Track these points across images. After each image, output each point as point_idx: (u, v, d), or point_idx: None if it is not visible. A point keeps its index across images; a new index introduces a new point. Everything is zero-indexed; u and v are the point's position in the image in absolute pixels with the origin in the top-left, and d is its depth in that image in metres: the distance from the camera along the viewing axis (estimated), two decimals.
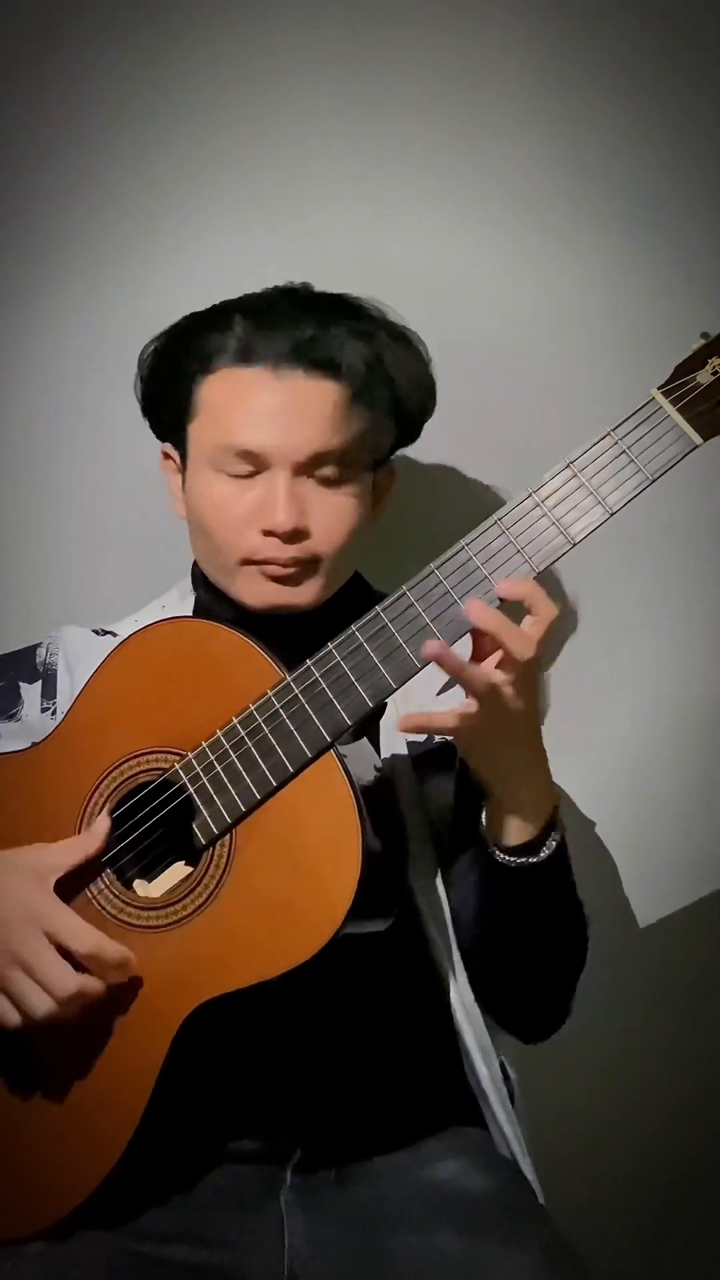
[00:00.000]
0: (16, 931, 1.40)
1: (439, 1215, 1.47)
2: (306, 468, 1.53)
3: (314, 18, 1.85)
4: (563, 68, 1.85)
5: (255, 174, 1.87)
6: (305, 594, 1.55)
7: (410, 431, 1.63)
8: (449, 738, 1.56)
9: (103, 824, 1.45)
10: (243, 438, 1.52)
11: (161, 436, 1.65)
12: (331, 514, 1.54)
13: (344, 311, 1.58)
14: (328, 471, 1.54)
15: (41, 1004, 1.39)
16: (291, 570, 1.54)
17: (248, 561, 1.54)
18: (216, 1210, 1.49)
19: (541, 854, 1.44)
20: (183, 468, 1.61)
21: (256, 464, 1.53)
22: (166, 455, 1.64)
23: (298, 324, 1.53)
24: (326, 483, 1.54)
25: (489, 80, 1.85)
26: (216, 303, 1.61)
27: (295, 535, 1.53)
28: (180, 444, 1.60)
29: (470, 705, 1.37)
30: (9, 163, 1.87)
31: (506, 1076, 1.56)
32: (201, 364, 1.55)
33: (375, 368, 1.55)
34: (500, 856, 1.44)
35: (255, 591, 1.55)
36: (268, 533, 1.52)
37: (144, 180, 1.87)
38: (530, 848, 1.44)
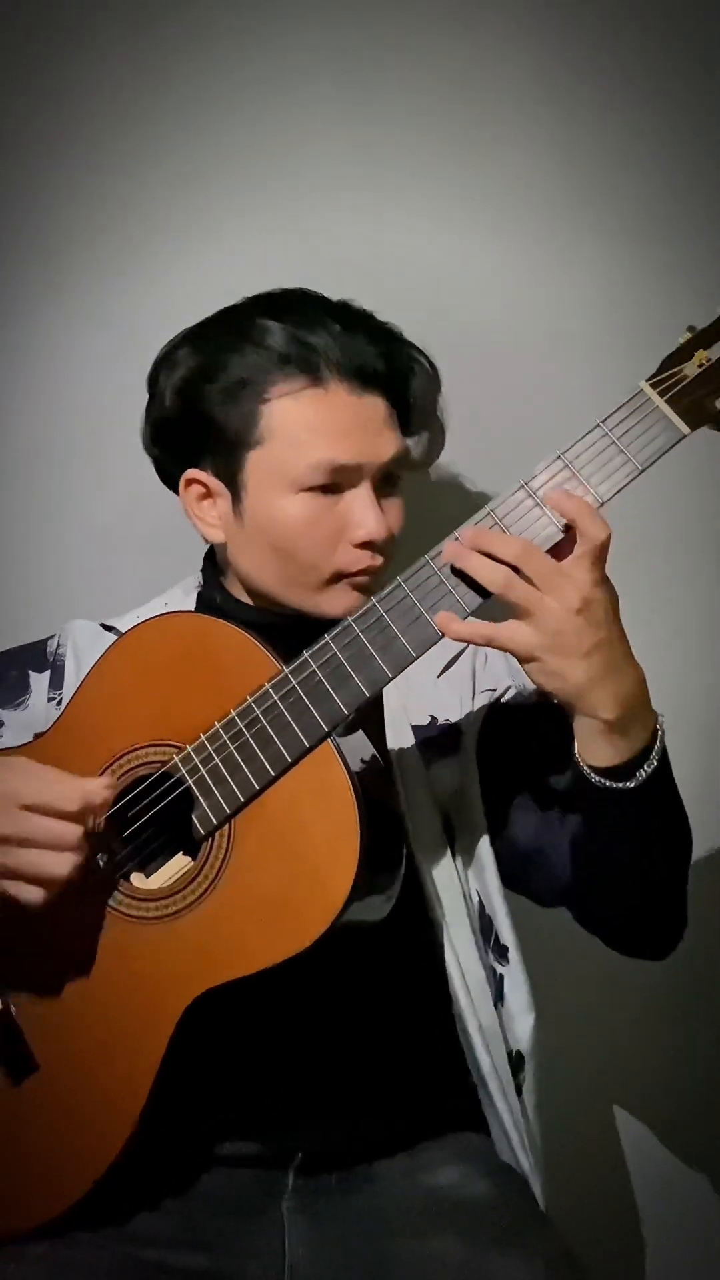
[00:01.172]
0: None
1: (440, 1222, 1.47)
2: (382, 478, 1.55)
3: (316, 23, 1.86)
4: (563, 73, 1.86)
5: (256, 179, 1.87)
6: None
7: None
8: (454, 720, 1.59)
9: (108, 784, 1.43)
10: (336, 453, 1.52)
11: (187, 461, 1.59)
12: (397, 518, 1.57)
13: (386, 337, 1.58)
14: (392, 480, 1.57)
15: (60, 862, 1.38)
16: (372, 578, 1.55)
17: (339, 576, 1.54)
18: (218, 1215, 1.48)
19: (638, 776, 1.41)
20: (235, 496, 1.56)
21: (346, 478, 1.53)
22: (192, 482, 1.59)
23: (353, 339, 1.54)
24: (392, 489, 1.57)
25: (489, 85, 1.86)
26: (234, 313, 1.58)
27: (387, 542, 1.55)
28: (231, 473, 1.55)
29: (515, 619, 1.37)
30: (8, 167, 1.88)
31: (519, 1066, 1.55)
32: (259, 389, 1.52)
33: (415, 395, 1.59)
34: (593, 778, 1.42)
35: (340, 604, 1.54)
36: (364, 545, 1.53)
37: (144, 184, 1.88)
38: (621, 772, 1.41)
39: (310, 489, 1.52)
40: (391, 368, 1.55)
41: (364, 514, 1.53)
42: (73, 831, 1.39)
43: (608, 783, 1.41)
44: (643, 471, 1.40)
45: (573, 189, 1.87)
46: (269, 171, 1.88)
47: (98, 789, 1.40)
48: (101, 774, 1.47)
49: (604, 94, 1.87)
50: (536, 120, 1.87)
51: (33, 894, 1.40)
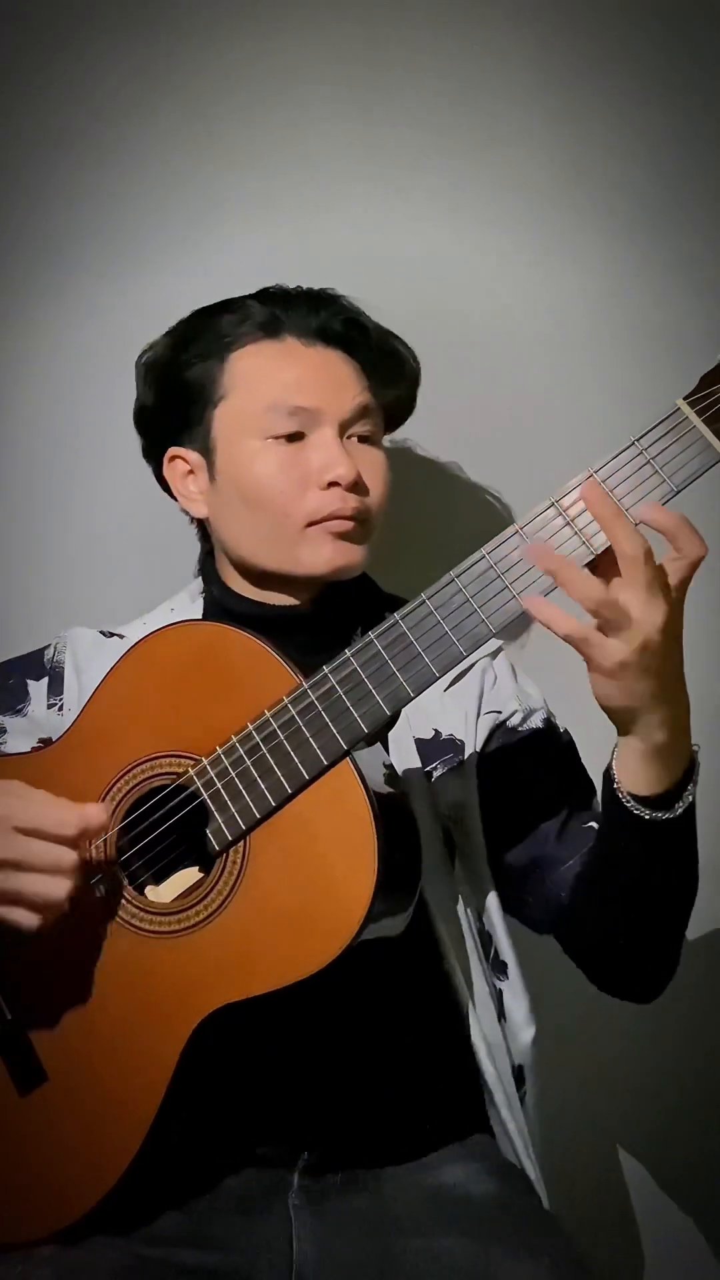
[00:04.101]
0: None
1: (446, 1220, 1.48)
2: (348, 425, 1.57)
3: (319, 23, 1.84)
4: (567, 73, 1.85)
5: (259, 179, 1.87)
6: (360, 554, 1.58)
7: (391, 419, 1.67)
8: (458, 735, 1.58)
9: (105, 810, 1.42)
10: (293, 396, 1.56)
11: (167, 441, 1.64)
12: (375, 467, 1.59)
13: (343, 301, 1.63)
14: (365, 428, 1.59)
15: (55, 887, 1.37)
16: (353, 525, 1.56)
17: (312, 523, 1.56)
18: (225, 1214, 1.49)
19: (676, 809, 1.38)
20: (208, 460, 1.60)
21: (307, 422, 1.56)
22: (174, 458, 1.63)
23: (313, 306, 1.60)
24: (364, 439, 1.59)
25: (494, 85, 1.85)
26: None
27: (357, 486, 1.56)
28: (202, 435, 1.60)
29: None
30: (9, 164, 1.85)
31: (521, 1079, 1.56)
32: (222, 347, 1.59)
33: (376, 350, 1.62)
34: (632, 805, 1.39)
35: (321, 556, 1.56)
36: (332, 484, 1.55)
37: (145, 186, 1.87)
38: (662, 801, 1.39)
39: (274, 437, 1.56)
40: (349, 327, 1.60)
41: (328, 455, 1.55)
42: (69, 856, 1.37)
43: (648, 813, 1.39)
44: (678, 493, 1.36)
45: (575, 187, 1.86)
46: (270, 172, 1.86)
47: (95, 812, 1.38)
48: (114, 784, 1.45)
49: (605, 92, 1.85)
50: (538, 118, 1.86)
51: (29, 919, 1.39)
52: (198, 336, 1.61)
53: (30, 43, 1.84)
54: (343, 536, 1.56)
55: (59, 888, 1.37)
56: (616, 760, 1.40)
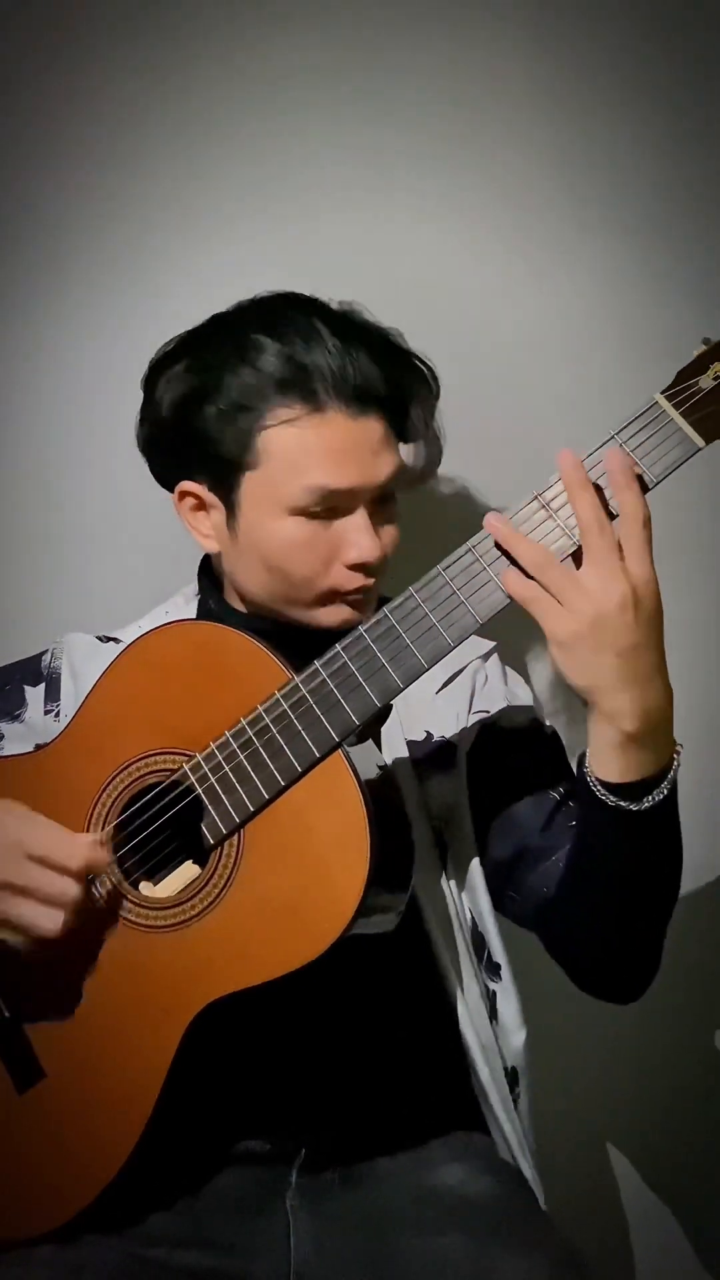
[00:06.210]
0: (2, 861, 1.40)
1: (444, 1218, 1.48)
2: (378, 500, 1.54)
3: (316, 26, 1.85)
4: (564, 75, 1.86)
5: (256, 183, 1.87)
6: (370, 610, 1.55)
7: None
8: (450, 736, 1.59)
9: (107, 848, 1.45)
10: (331, 480, 1.50)
11: (178, 476, 1.58)
12: (391, 538, 1.56)
13: (376, 340, 1.56)
14: (389, 499, 1.55)
15: (51, 920, 1.40)
16: (366, 595, 1.55)
17: (334, 594, 1.54)
18: (222, 1213, 1.49)
19: (645, 801, 1.39)
20: (229, 513, 1.55)
21: (340, 501, 1.51)
22: (185, 494, 1.58)
23: (349, 358, 1.51)
24: (387, 509, 1.55)
25: (490, 88, 1.86)
26: (229, 327, 1.56)
27: (381, 564, 1.54)
28: (226, 491, 1.54)
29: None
30: (8, 170, 1.87)
31: (515, 1080, 1.57)
32: (256, 412, 1.50)
33: (411, 409, 1.58)
34: (599, 791, 1.39)
35: (336, 618, 1.54)
36: (356, 566, 1.52)
37: (143, 188, 1.87)
38: (629, 791, 1.39)
39: (304, 513, 1.51)
40: (392, 388, 1.53)
41: (358, 536, 1.52)
42: (73, 889, 1.40)
43: (613, 800, 1.39)
44: (656, 484, 1.39)
45: (575, 192, 1.87)
46: (269, 176, 1.87)
47: (102, 852, 1.42)
48: (110, 781, 1.47)
49: (605, 95, 1.86)
50: (538, 122, 1.87)
51: (19, 943, 1.42)
52: (222, 391, 1.52)
53: (27, 47, 1.86)
54: (356, 604, 1.55)
55: (54, 920, 1.40)
56: (589, 745, 1.41)
